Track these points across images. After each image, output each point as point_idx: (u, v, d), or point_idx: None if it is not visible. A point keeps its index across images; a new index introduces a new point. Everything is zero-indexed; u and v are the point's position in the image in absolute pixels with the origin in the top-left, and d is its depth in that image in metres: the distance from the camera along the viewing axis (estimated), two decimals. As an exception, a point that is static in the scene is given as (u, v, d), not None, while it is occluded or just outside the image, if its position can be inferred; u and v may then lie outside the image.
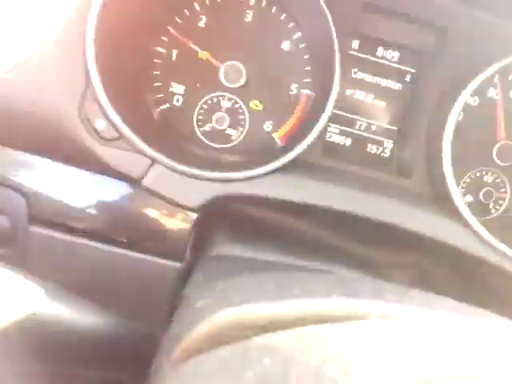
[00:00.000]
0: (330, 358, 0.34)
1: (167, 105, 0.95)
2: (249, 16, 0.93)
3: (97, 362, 0.66)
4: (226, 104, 0.95)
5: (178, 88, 0.95)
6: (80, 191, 0.79)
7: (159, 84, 0.94)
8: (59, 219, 0.78)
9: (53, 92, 0.70)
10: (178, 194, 0.77)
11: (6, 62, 0.68)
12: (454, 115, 0.84)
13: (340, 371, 0.32)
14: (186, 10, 0.93)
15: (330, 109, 0.84)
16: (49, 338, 0.58)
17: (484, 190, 0.96)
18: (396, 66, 0.94)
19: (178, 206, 0.78)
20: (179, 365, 0.39)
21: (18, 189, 0.77)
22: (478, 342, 0.38)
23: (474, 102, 0.94)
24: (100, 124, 0.73)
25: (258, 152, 0.96)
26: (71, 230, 0.79)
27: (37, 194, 0.78)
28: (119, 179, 0.79)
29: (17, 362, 0.52)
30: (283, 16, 0.93)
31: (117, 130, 0.75)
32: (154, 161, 0.77)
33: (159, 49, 0.93)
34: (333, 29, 0.82)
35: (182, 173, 0.77)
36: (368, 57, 0.94)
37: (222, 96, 0.95)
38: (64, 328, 0.59)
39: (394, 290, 0.45)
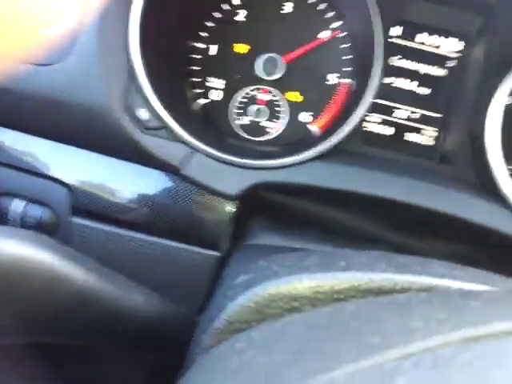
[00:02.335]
0: (371, 328, 0.34)
1: (207, 99, 0.96)
2: (286, 7, 0.93)
3: (139, 343, 0.67)
4: (264, 97, 0.96)
5: (216, 83, 0.96)
6: (122, 182, 0.81)
7: (198, 79, 0.95)
8: (101, 210, 0.80)
9: (96, 83, 0.72)
10: (217, 182, 0.78)
11: (49, 52, 0.71)
12: (499, 99, 0.81)
13: (379, 338, 0.32)
14: (223, 5, 0.94)
15: (369, 98, 0.83)
16: (90, 311, 0.60)
17: None
18: (439, 52, 0.92)
19: (218, 194, 0.79)
20: (219, 337, 0.39)
21: (60, 180, 0.80)
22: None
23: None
24: (144, 114, 0.75)
25: (295, 143, 0.95)
26: (113, 221, 0.81)
27: (79, 185, 0.80)
28: (160, 169, 0.80)
29: (62, 337, 0.54)
30: (323, 5, 0.93)
31: (160, 119, 0.76)
32: (194, 149, 0.78)
33: (197, 44, 0.95)
34: (375, 16, 0.81)
35: (222, 160, 0.78)
36: (410, 43, 0.92)
37: (260, 89, 0.95)
38: (108, 305, 0.61)
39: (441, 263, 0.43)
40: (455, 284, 0.39)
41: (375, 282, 0.39)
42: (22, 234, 0.57)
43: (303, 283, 0.40)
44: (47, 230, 0.81)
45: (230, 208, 0.81)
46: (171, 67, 0.91)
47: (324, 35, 0.94)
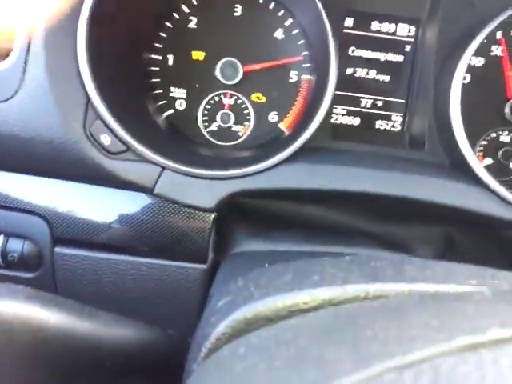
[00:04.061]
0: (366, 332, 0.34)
1: (171, 111, 0.95)
2: (238, 10, 0.93)
3: (130, 373, 0.67)
4: (228, 101, 0.95)
5: (178, 92, 0.95)
6: (98, 207, 0.81)
7: (160, 91, 0.94)
8: (82, 237, 0.80)
9: (52, 113, 0.71)
10: (191, 197, 0.78)
11: (2, 89, 0.69)
12: (459, 78, 0.81)
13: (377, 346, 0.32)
14: (174, 14, 0.93)
15: (331, 91, 0.83)
16: (79, 355, 0.59)
17: (502, 150, 0.94)
18: (394, 37, 0.92)
19: (194, 208, 0.78)
20: (204, 362, 0.39)
21: (38, 213, 0.79)
22: None
23: (479, 62, 0.91)
24: (105, 139, 0.74)
25: (266, 144, 0.95)
26: (95, 246, 0.81)
27: (56, 215, 0.79)
28: (134, 190, 0.80)
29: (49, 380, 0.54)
30: (272, 5, 0.92)
31: (123, 142, 0.75)
32: (163, 167, 0.77)
33: (154, 56, 0.93)
34: (323, 10, 0.81)
35: (193, 175, 0.77)
36: (364, 33, 0.92)
37: (224, 94, 0.95)
38: (95, 344, 0.60)
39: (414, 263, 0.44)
40: (428, 287, 0.40)
41: (348, 293, 0.40)
42: None
43: (277, 304, 0.40)
44: (30, 263, 0.81)
45: (209, 219, 0.80)
46: (130, 84, 0.89)
47: (279, 34, 0.93)
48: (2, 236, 0.80)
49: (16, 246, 0.80)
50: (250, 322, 0.42)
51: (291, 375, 0.31)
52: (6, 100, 0.70)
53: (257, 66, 0.93)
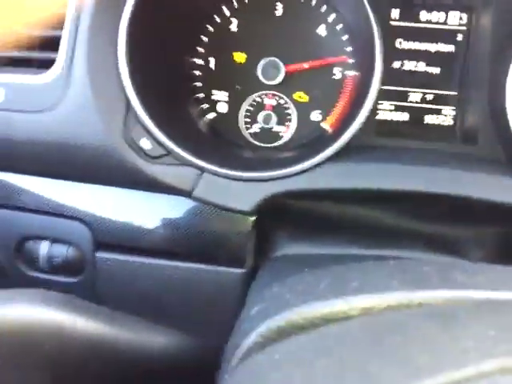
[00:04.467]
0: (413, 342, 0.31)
1: (213, 113, 0.95)
2: (279, 9, 0.91)
3: (162, 381, 0.66)
4: (270, 102, 0.94)
5: (220, 95, 0.94)
6: (138, 211, 0.82)
7: (201, 95, 0.94)
8: (123, 242, 0.81)
9: (94, 122, 0.72)
10: (230, 200, 0.76)
11: (44, 98, 0.71)
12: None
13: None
14: (215, 16, 0.92)
15: (376, 86, 0.79)
16: (111, 362, 0.59)
17: None
18: (444, 27, 0.86)
19: (234, 211, 0.77)
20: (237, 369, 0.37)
21: (80, 218, 0.81)
22: None
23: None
24: (146, 143, 0.75)
25: (309, 144, 0.92)
26: (136, 251, 0.82)
27: (98, 220, 0.81)
28: (173, 194, 0.80)
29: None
30: (314, 1, 0.90)
31: (163, 147, 0.76)
32: (202, 170, 0.76)
33: (196, 60, 0.93)
34: (367, 1, 0.77)
35: (232, 177, 0.76)
36: (411, 24, 0.87)
37: (265, 94, 0.93)
38: (126, 351, 0.60)
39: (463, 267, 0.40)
40: (480, 294, 0.36)
41: (389, 301, 0.37)
42: (28, 295, 0.58)
43: (313, 313, 0.38)
44: (73, 268, 0.84)
45: (249, 222, 0.79)
46: (171, 88, 0.90)
47: (321, 31, 0.90)
48: (47, 241, 0.82)
49: (60, 250, 0.82)
50: (283, 331, 0.39)
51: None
52: (50, 110, 0.72)
53: (299, 66, 0.91)
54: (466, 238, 0.81)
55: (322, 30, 0.91)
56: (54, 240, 0.83)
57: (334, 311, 0.38)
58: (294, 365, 0.34)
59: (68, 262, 0.82)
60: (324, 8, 0.89)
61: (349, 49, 0.90)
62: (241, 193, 0.77)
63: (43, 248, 0.82)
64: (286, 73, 0.91)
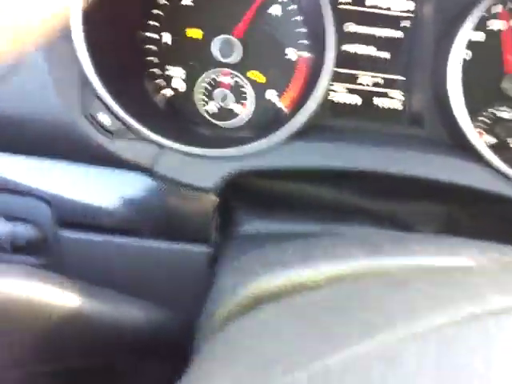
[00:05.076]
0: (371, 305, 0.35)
1: (168, 90, 0.94)
2: (235, -14, 0.91)
3: (140, 353, 0.68)
4: (225, 79, 0.94)
5: (175, 71, 0.94)
6: (98, 188, 0.80)
7: (156, 70, 0.93)
8: (84, 220, 0.80)
9: (50, 95, 0.70)
10: (191, 177, 0.77)
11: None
12: (456, 53, 0.81)
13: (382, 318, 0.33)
14: (168, -10, 0.91)
15: (329, 67, 0.83)
16: (87, 335, 0.60)
17: (501, 126, 0.93)
18: (392, 13, 0.91)
19: (193, 188, 0.78)
20: (211, 339, 0.39)
21: (38, 195, 0.79)
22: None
23: (478, 37, 0.90)
24: (104, 118, 0.73)
25: (266, 123, 0.94)
26: (99, 229, 0.81)
27: (58, 198, 0.79)
28: (135, 170, 0.79)
29: (57, 360, 0.54)
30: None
31: (121, 121, 0.75)
32: (162, 146, 0.77)
33: (149, 34, 0.92)
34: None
35: (191, 154, 0.77)
36: (361, 8, 0.90)
37: (221, 72, 0.94)
38: (102, 324, 0.61)
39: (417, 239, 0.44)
40: (430, 261, 0.40)
41: (351, 268, 0.40)
42: (5, 269, 0.57)
43: (282, 280, 0.41)
44: (37, 248, 0.81)
45: (211, 201, 0.80)
46: (127, 63, 0.88)
47: (276, 11, 0.91)
48: (4, 219, 0.79)
49: (22, 230, 0.80)
50: (255, 300, 0.42)
51: (299, 347, 0.31)
52: (2, 80, 0.69)
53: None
54: (415, 215, 0.88)
55: (275, 10, 0.92)
56: (12, 218, 0.80)
57: (302, 279, 0.41)
58: (265, 331, 0.36)
59: (29, 242, 0.79)
60: (278, -14, 0.91)
61: (302, 30, 0.92)
62: (200, 170, 0.78)
63: (2, 227, 0.79)
64: (243, 50, 0.91)
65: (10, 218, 0.80)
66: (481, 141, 0.82)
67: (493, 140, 0.94)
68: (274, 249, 0.48)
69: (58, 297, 0.55)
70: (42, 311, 0.54)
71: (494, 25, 0.90)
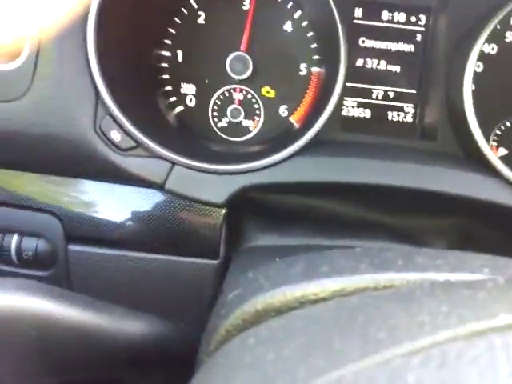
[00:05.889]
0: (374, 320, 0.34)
1: (181, 107, 0.95)
2: (246, 4, 0.92)
3: (145, 367, 0.68)
4: (238, 96, 0.95)
5: (188, 88, 0.95)
6: (109, 204, 0.81)
7: (170, 88, 0.95)
8: (94, 234, 0.81)
9: (63, 112, 0.72)
10: (202, 192, 0.78)
11: (10, 88, 0.70)
12: (471, 66, 0.80)
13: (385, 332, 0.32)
14: (183, 9, 0.93)
15: (341, 82, 0.83)
16: (93, 349, 0.60)
17: None
18: (404, 27, 0.91)
19: (205, 204, 0.78)
20: (214, 354, 0.39)
21: (50, 211, 0.80)
22: None
23: (493, 50, 0.89)
24: (116, 135, 0.75)
25: (277, 138, 0.95)
26: (108, 244, 0.82)
27: (69, 213, 0.80)
28: (145, 186, 0.80)
29: (63, 373, 0.54)
30: (280, -3, 0.92)
31: (133, 139, 0.76)
32: (173, 163, 0.77)
33: (164, 52, 0.94)
34: (331, 0, 0.80)
35: (203, 170, 0.78)
36: (374, 23, 0.91)
37: (233, 88, 0.95)
38: (108, 338, 0.61)
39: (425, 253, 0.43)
40: (439, 276, 0.39)
41: (358, 283, 0.40)
42: (9, 284, 0.58)
43: (287, 295, 0.40)
44: (44, 261, 0.83)
45: (220, 214, 0.80)
46: (140, 81, 0.90)
47: (288, 27, 0.92)
48: (16, 235, 0.81)
49: (30, 244, 0.81)
50: (259, 314, 0.41)
51: (299, 364, 0.31)
52: (17, 99, 0.71)
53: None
54: (427, 229, 0.86)
55: (288, 27, 0.93)
56: (24, 233, 0.81)
57: (307, 294, 0.40)
58: (267, 346, 0.36)
59: (38, 256, 0.81)
60: (290, 4, 0.92)
61: (314, 45, 0.93)
62: (211, 185, 0.78)
63: (13, 242, 0.81)
64: (254, 67, 0.92)
65: (21, 232, 0.82)
66: (495, 155, 0.80)
67: (507, 153, 0.92)
68: (281, 263, 0.48)
69: (64, 310, 0.56)
70: (48, 325, 0.54)
71: (509, 37, 0.89)
